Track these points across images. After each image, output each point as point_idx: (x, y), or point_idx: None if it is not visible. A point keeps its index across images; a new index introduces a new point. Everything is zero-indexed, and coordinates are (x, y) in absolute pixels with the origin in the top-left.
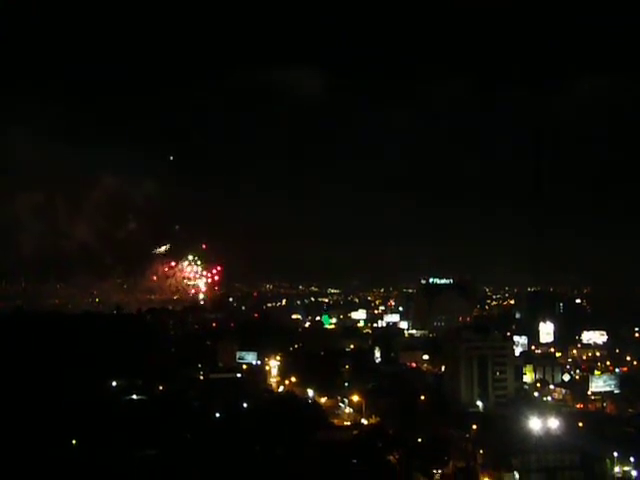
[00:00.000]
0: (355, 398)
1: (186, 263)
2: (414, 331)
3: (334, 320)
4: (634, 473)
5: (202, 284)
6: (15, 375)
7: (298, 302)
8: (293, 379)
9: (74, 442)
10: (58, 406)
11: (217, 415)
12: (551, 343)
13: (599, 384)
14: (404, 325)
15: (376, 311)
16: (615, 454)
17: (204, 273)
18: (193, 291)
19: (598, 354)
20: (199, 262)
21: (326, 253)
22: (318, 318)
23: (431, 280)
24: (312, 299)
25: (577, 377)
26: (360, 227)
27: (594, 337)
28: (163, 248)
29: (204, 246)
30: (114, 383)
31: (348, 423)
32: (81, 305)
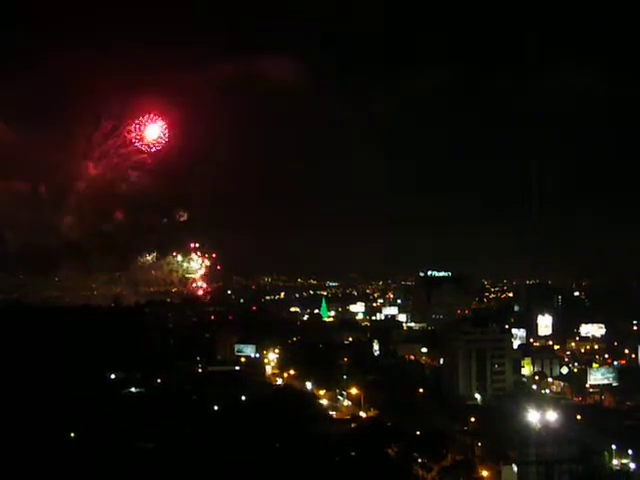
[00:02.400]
0: (354, 391)
1: (183, 255)
2: (413, 324)
3: (332, 313)
4: (632, 466)
5: (199, 277)
6: (13, 368)
7: (296, 295)
8: (292, 372)
9: (72, 435)
10: (56, 399)
11: (215, 408)
12: (549, 336)
13: (597, 377)
14: (402, 318)
15: (375, 304)
16: (613, 447)
17: (202, 266)
18: (192, 284)
19: (596, 347)
20: (197, 254)
21: (325, 246)
22: (317, 311)
23: (430, 273)
24: (311, 292)
25: (575, 370)
26: (358, 220)
27: (592, 330)
28: (160, 240)
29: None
30: (112, 376)
31: (347, 416)
32: (79, 298)
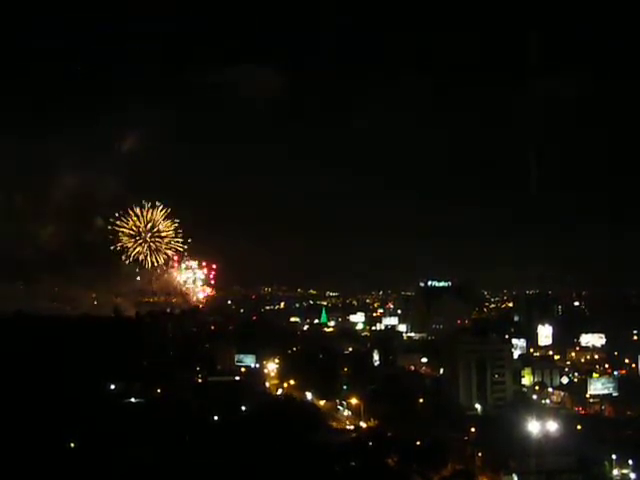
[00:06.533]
0: (354, 401)
1: (183, 265)
2: (413, 334)
3: (332, 323)
4: (632, 476)
5: (200, 287)
6: (13, 377)
7: (297, 305)
8: (292, 382)
9: (72, 445)
10: (56, 408)
11: (215, 418)
12: (550, 346)
13: (597, 387)
14: (402, 328)
15: (375, 314)
16: (613, 457)
17: (202, 276)
18: (191, 294)
19: (597, 357)
20: (197, 264)
21: (325, 255)
22: (317, 321)
23: (430, 283)
24: (310, 302)
25: (576, 380)
26: (358, 229)
27: (593, 340)
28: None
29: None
30: (112, 386)
31: (347, 426)
32: (79, 308)
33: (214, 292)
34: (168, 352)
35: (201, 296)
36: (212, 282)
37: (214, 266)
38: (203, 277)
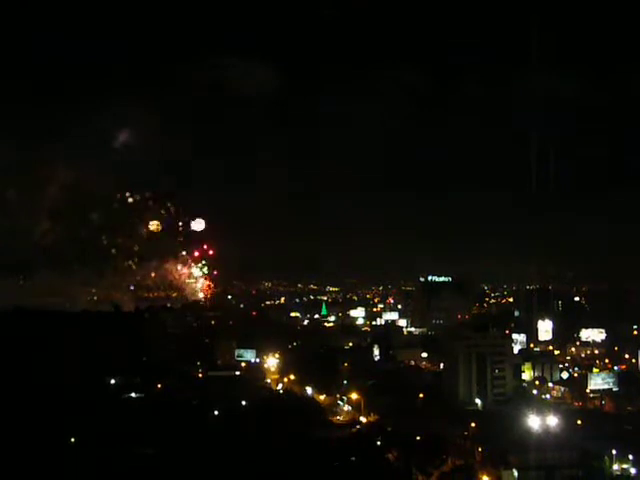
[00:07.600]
0: (354, 396)
1: (183, 261)
2: (413, 329)
3: (333, 318)
4: (633, 470)
5: (200, 282)
6: (13, 373)
7: (297, 300)
8: (292, 377)
9: (73, 440)
10: (56, 404)
11: (216, 413)
12: (550, 341)
13: (598, 382)
14: (403, 323)
15: (375, 309)
16: (614, 452)
17: (202, 271)
18: (191, 289)
19: (597, 352)
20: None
21: (325, 251)
22: (317, 316)
23: (430, 278)
24: (311, 297)
25: (576, 375)
26: (359, 225)
27: (593, 335)
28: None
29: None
30: (113, 381)
31: (347, 421)
32: (79, 303)
33: (214, 287)
34: (168, 347)
35: (201, 292)
36: (212, 277)
37: (215, 261)
38: (203, 272)
